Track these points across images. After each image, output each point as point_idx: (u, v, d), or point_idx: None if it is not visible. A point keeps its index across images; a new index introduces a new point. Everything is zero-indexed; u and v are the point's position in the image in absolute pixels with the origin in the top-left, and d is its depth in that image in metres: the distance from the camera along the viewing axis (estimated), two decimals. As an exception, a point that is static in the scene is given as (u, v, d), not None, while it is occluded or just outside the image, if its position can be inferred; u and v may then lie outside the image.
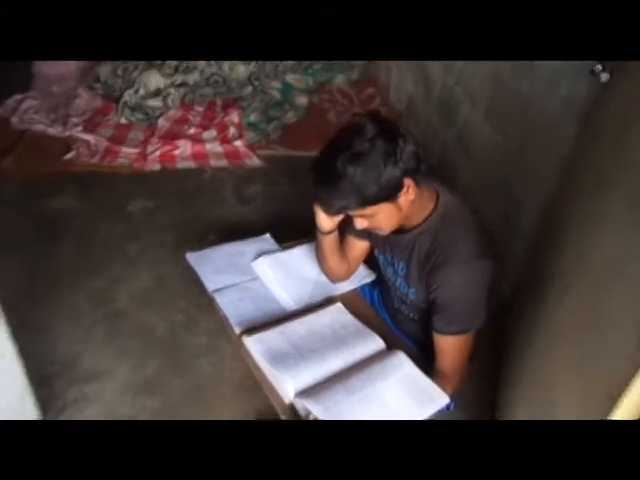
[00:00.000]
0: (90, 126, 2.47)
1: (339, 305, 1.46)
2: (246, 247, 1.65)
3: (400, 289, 1.32)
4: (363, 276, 1.57)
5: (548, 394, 1.09)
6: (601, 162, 1.11)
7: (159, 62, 2.76)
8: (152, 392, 1.45)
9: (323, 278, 1.55)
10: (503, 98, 1.78)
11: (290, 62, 3.05)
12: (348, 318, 1.42)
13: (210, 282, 1.49)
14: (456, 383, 1.23)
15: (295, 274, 1.56)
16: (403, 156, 1.05)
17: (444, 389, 1.16)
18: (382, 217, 1.12)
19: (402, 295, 1.33)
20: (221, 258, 1.59)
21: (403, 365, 1.22)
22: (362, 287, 1.56)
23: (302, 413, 1.14)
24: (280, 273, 1.55)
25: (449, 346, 1.20)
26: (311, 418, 1.10)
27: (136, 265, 1.84)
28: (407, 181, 1.08)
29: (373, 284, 1.58)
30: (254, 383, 1.28)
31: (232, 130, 2.50)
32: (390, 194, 1.07)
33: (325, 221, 1.28)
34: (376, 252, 1.40)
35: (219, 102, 2.74)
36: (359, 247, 1.43)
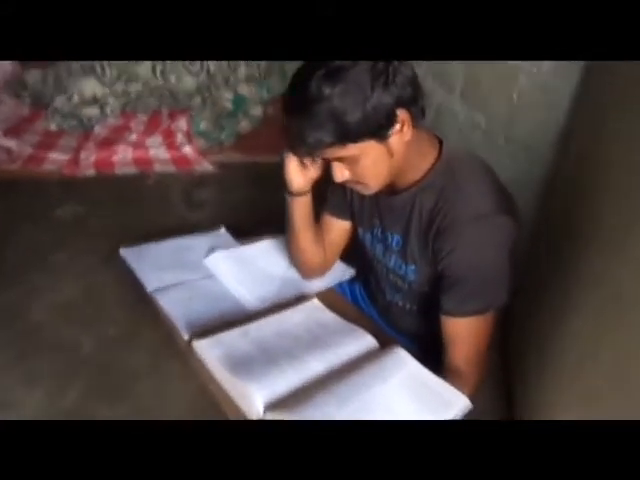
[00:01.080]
0: (13, 133, 2.14)
1: (315, 301, 1.17)
2: (196, 242, 1.36)
3: (395, 270, 1.06)
4: (341, 272, 1.30)
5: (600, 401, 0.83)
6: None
7: (97, 69, 2.50)
8: (73, 426, 1.09)
9: (293, 273, 1.26)
10: (482, 76, 1.61)
11: (243, 73, 2.85)
12: (328, 315, 1.14)
13: (150, 280, 1.18)
14: (474, 380, 0.95)
15: (258, 270, 1.27)
16: (397, 78, 0.81)
17: (461, 390, 0.88)
18: (368, 163, 0.86)
19: (397, 279, 1.07)
20: (165, 254, 1.29)
21: (405, 363, 0.94)
22: (340, 285, 1.29)
23: (277, 432, 0.83)
24: (239, 269, 1.26)
25: (464, 332, 0.93)
26: None
27: (61, 274, 1.50)
28: (401, 113, 0.83)
29: (353, 280, 1.32)
30: (209, 404, 0.97)
31: (180, 137, 2.24)
32: (378, 127, 0.82)
33: (295, 174, 1.01)
34: (360, 232, 1.13)
35: (165, 111, 2.48)
36: (338, 228, 1.17)
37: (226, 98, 2.64)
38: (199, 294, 1.17)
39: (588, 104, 1.18)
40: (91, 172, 1.97)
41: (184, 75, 2.70)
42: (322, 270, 1.23)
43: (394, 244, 1.03)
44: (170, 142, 2.20)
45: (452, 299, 0.92)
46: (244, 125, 2.47)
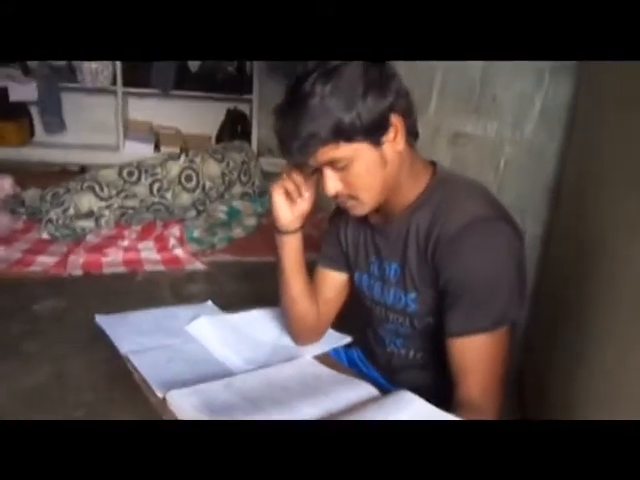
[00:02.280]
0: (3, 241, 2.12)
1: (307, 357, 1.05)
2: (180, 311, 1.25)
3: (394, 305, 0.96)
4: (336, 338, 1.19)
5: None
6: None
7: (96, 187, 2.57)
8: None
9: (285, 341, 1.15)
10: (468, 152, 1.65)
11: (238, 190, 2.94)
12: (322, 369, 1.01)
13: (125, 343, 1.06)
14: (492, 413, 0.81)
15: (246, 336, 1.16)
16: (391, 85, 0.82)
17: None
18: (361, 170, 0.83)
19: (398, 316, 0.96)
20: (145, 321, 1.18)
21: (413, 401, 0.80)
22: (335, 351, 1.17)
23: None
24: (226, 334, 1.15)
25: (475, 355, 0.81)
26: None
27: (31, 362, 1.38)
28: (395, 120, 0.82)
29: (350, 346, 1.20)
30: None
31: (172, 241, 2.22)
32: (372, 129, 0.80)
33: (283, 208, 0.96)
34: (357, 279, 1.05)
35: (159, 223, 2.50)
36: (333, 282, 1.09)
37: (220, 210, 2.68)
38: (179, 357, 1.05)
39: (574, 157, 1.18)
40: (78, 272, 1.92)
41: (180, 192, 2.77)
42: (316, 330, 1.12)
43: (392, 275, 0.95)
44: (162, 245, 2.18)
45: (457, 316, 0.82)
46: (238, 232, 2.48)
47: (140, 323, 1.17)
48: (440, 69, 1.83)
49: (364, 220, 1.01)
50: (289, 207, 0.97)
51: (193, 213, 2.68)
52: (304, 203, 0.97)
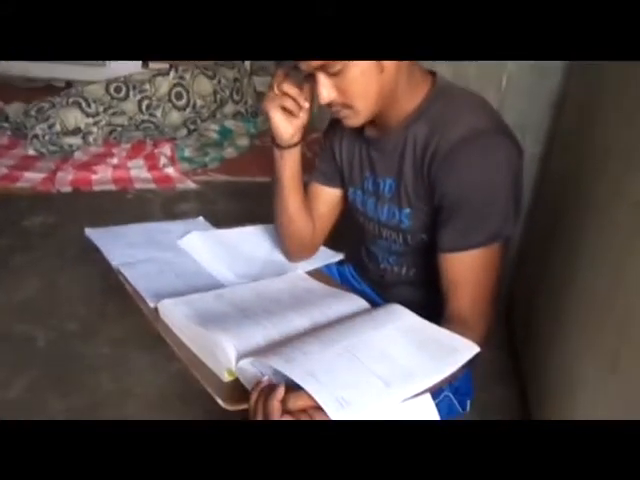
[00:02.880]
0: (-11, 157, 2.07)
1: (300, 272, 1.05)
2: (171, 226, 1.24)
3: (388, 222, 0.94)
4: (328, 255, 1.18)
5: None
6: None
7: (82, 103, 2.48)
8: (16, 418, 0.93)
9: (277, 256, 1.14)
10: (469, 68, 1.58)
11: (230, 109, 2.85)
12: (314, 283, 1.01)
13: (117, 256, 1.05)
14: (482, 328, 0.81)
15: (238, 251, 1.15)
16: None
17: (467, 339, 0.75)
18: (357, 74, 0.79)
19: (391, 232, 0.95)
20: (136, 234, 1.17)
21: (403, 314, 0.80)
22: (328, 267, 1.17)
23: (249, 383, 0.69)
24: (218, 249, 1.14)
25: (467, 270, 0.81)
26: (265, 380, 0.66)
27: (20, 275, 1.37)
28: None
29: (342, 262, 1.20)
30: (182, 393, 0.84)
31: (163, 159, 2.17)
32: None
33: (283, 123, 0.92)
34: (351, 194, 1.03)
35: (149, 141, 2.44)
36: (328, 198, 1.07)
37: (212, 129, 2.61)
38: (170, 269, 1.04)
39: (579, 71, 1.13)
40: (67, 189, 1.88)
41: (170, 110, 2.69)
42: (310, 247, 1.11)
43: (386, 190, 0.93)
44: (152, 164, 2.14)
45: (452, 232, 0.81)
46: (230, 151, 2.42)
47: (131, 236, 1.15)
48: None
49: (359, 134, 0.98)
50: (287, 121, 0.93)
51: (184, 132, 2.61)
52: (303, 115, 0.93)
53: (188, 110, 2.71)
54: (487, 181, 0.79)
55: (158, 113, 2.67)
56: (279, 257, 1.14)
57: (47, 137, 2.28)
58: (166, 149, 2.29)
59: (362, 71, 0.80)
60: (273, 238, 1.19)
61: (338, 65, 0.79)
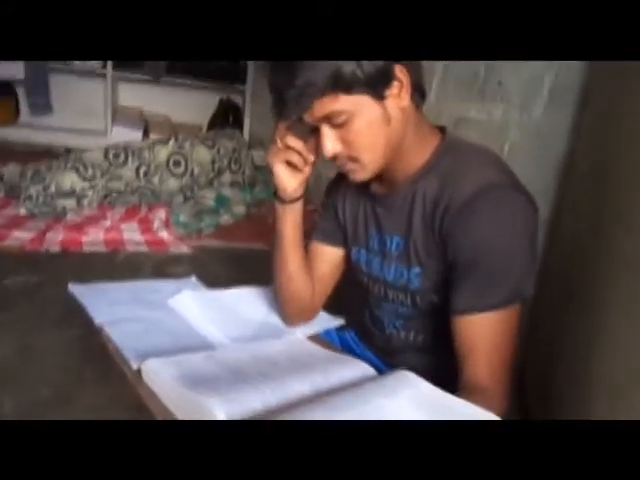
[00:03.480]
0: (-22, 215, 2.02)
1: (299, 336, 0.97)
2: (162, 285, 1.17)
3: (395, 282, 0.88)
4: (327, 320, 1.11)
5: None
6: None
7: (79, 166, 2.47)
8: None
9: (273, 319, 1.07)
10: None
11: (227, 178, 2.86)
12: (314, 347, 0.93)
13: (101, 313, 0.97)
14: (502, 396, 0.74)
15: (232, 314, 1.08)
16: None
17: (487, 410, 0.67)
18: (362, 126, 0.76)
19: (398, 294, 0.89)
20: (125, 292, 1.10)
21: (415, 382, 0.72)
22: (327, 332, 1.09)
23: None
24: (210, 310, 1.07)
25: (484, 334, 0.74)
26: None
27: (-5, 335, 1.27)
28: (400, 72, 0.75)
29: (343, 328, 1.12)
30: None
31: (157, 223, 2.13)
32: (374, 80, 0.74)
33: (286, 176, 0.88)
34: (354, 254, 0.98)
35: (144, 206, 2.41)
36: (329, 258, 1.02)
37: (209, 196, 2.60)
38: (158, 329, 0.96)
39: (588, 133, 1.12)
40: (55, 249, 1.82)
41: (168, 177, 2.68)
42: (309, 310, 1.05)
43: (394, 249, 0.88)
44: (146, 227, 2.09)
45: (467, 292, 0.75)
46: (226, 218, 2.39)
47: (117, 294, 1.08)
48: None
49: (364, 190, 0.94)
50: (291, 174, 0.90)
51: (180, 199, 2.59)
52: (306, 168, 0.89)
53: (185, 178, 2.71)
54: (504, 237, 0.74)
55: (155, 180, 2.66)
56: (276, 320, 1.07)
57: (41, 198, 2.24)
58: (161, 213, 2.26)
59: (368, 122, 0.77)
60: (270, 300, 1.12)
61: (343, 116, 0.76)
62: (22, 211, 2.13)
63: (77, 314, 1.32)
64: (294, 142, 0.85)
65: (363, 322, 1.05)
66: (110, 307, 1.01)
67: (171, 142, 2.74)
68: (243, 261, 1.90)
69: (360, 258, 0.97)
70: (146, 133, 3.97)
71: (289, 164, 0.88)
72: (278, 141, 0.86)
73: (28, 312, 1.42)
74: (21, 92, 3.87)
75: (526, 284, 0.75)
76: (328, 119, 0.77)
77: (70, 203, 2.30)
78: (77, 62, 3.76)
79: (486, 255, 0.74)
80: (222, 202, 2.60)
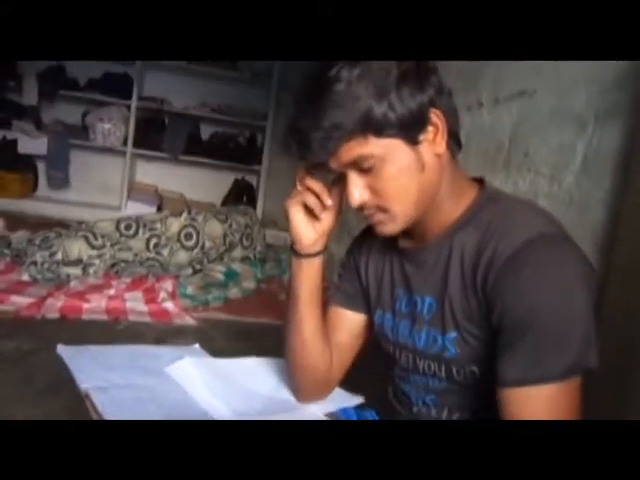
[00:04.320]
0: (-21, 279, 1.94)
1: (315, 410, 0.84)
2: (161, 351, 1.06)
3: (427, 350, 0.77)
4: (345, 397, 0.99)
5: None
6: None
7: (89, 235, 2.42)
8: None
9: (283, 393, 0.95)
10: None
11: (238, 254, 2.79)
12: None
13: (89, 378, 0.86)
14: None
15: (237, 385, 0.96)
16: (431, 78, 0.70)
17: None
18: (394, 172, 0.69)
19: (431, 363, 0.77)
20: (119, 356, 0.99)
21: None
22: (344, 410, 0.96)
23: None
24: (213, 379, 0.95)
25: (540, 410, 0.62)
26: None
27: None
28: (435, 117, 0.69)
29: (363, 406, 0.99)
30: None
31: (163, 294, 2.04)
32: (407, 123, 0.67)
33: (304, 226, 0.80)
34: (379, 319, 0.88)
35: (152, 277, 2.32)
36: (350, 324, 0.91)
37: (218, 270, 2.52)
38: (151, 398, 0.84)
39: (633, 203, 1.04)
40: (53, 315, 1.72)
41: (178, 249, 2.62)
42: (325, 384, 0.92)
43: (425, 311, 0.77)
44: (151, 297, 1.99)
45: (518, 360, 0.63)
46: (235, 292, 2.30)
47: (111, 358, 0.97)
48: (462, 132, 1.75)
49: (390, 246, 0.85)
50: (310, 224, 0.82)
51: (189, 271, 2.51)
52: (328, 217, 0.81)
53: (196, 251, 2.65)
54: (562, 293, 0.63)
55: (165, 252, 2.60)
56: (286, 395, 0.94)
57: (46, 265, 2.17)
58: (168, 284, 2.17)
59: (400, 168, 0.69)
60: (280, 372, 1.00)
61: (372, 161, 0.69)
62: (25, 277, 2.06)
63: (66, 383, 1.20)
64: (313, 184, 0.78)
65: (386, 398, 0.92)
66: (101, 372, 0.90)
67: (184, 215, 2.71)
68: (251, 335, 1.78)
69: (385, 323, 0.86)
70: (160, 209, 3.98)
71: (307, 211, 0.80)
72: (297, 183, 0.79)
73: (14, 380, 1.30)
74: (41, 166, 3.94)
75: (589, 351, 0.64)
76: (356, 164, 0.70)
77: (75, 271, 2.23)
78: (99, 139, 3.85)
79: (540, 315, 0.63)
80: (232, 276, 2.51)
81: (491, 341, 0.69)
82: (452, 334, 0.73)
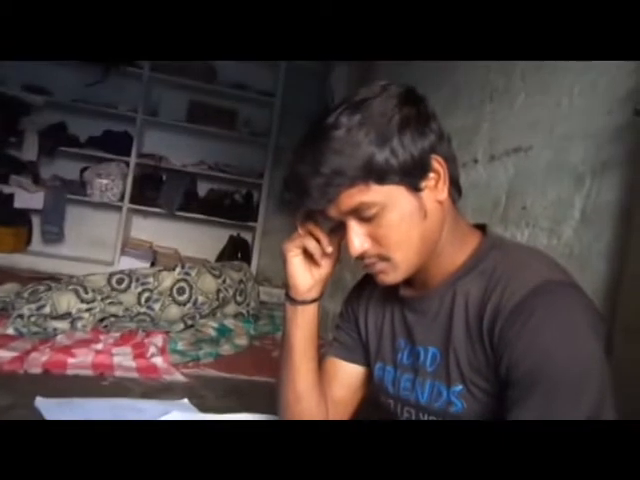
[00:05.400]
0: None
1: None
2: (149, 405, 1.00)
3: (431, 405, 0.72)
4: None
5: None
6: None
7: (79, 289, 2.37)
8: None
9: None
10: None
11: (232, 309, 2.74)
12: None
13: (68, 432, 0.80)
14: None
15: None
16: (431, 124, 0.69)
17: None
18: (396, 219, 0.67)
19: (435, 419, 0.72)
20: (100, 410, 0.93)
21: None
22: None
23: None
24: (201, 436, 0.88)
25: None
26: None
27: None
28: (437, 163, 0.69)
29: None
30: None
31: (152, 349, 1.97)
32: (409, 170, 0.66)
33: (300, 271, 0.78)
34: (378, 372, 0.83)
35: (141, 332, 2.26)
36: (347, 377, 0.87)
37: (210, 326, 2.46)
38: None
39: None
40: (36, 370, 1.64)
41: (170, 304, 2.57)
42: (319, 442, 0.86)
43: (429, 363, 0.73)
44: (140, 352, 1.92)
45: (527, 417, 0.59)
46: (226, 349, 2.23)
47: (91, 411, 0.91)
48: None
49: (391, 294, 0.82)
50: (307, 270, 0.79)
51: (180, 326, 2.44)
52: (327, 264, 0.79)
53: (188, 306, 2.59)
54: (574, 343, 0.60)
55: (156, 306, 2.55)
56: (279, 454, 0.88)
57: (33, 318, 2.11)
58: (158, 339, 2.10)
59: (402, 216, 0.68)
60: (273, 430, 0.94)
61: (374, 209, 0.67)
62: (10, 330, 1.99)
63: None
64: (314, 229, 0.76)
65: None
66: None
67: (177, 269, 2.68)
68: (243, 393, 1.71)
69: (385, 376, 0.82)
70: (153, 265, 3.94)
71: (305, 256, 0.78)
72: (298, 226, 0.77)
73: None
74: (36, 220, 3.93)
75: (603, 404, 0.60)
76: (356, 212, 0.68)
77: (63, 325, 2.16)
78: (96, 194, 3.87)
79: (551, 366, 0.59)
80: (224, 332, 2.45)
81: (499, 394, 0.65)
82: (458, 387, 0.69)
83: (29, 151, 3.78)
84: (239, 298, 2.85)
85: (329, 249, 0.76)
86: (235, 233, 4.15)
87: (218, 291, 2.74)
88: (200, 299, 2.64)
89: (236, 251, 4.08)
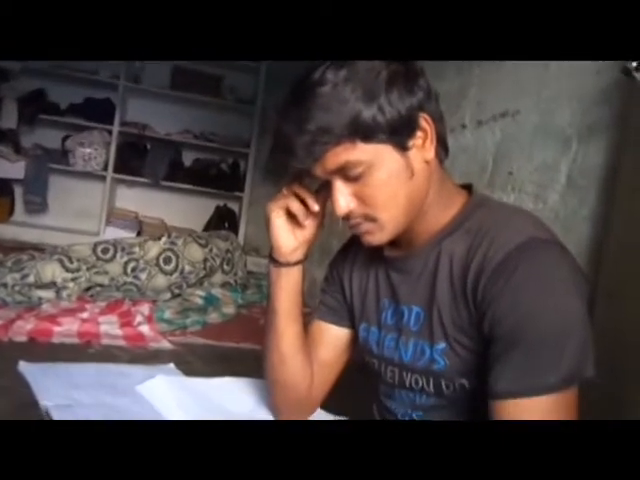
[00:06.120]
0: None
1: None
2: (135, 370, 1.00)
3: (414, 363, 0.73)
4: (325, 418, 0.93)
5: None
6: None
7: (64, 259, 2.35)
8: None
9: (262, 414, 0.90)
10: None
11: (219, 279, 2.73)
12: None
13: (52, 395, 0.80)
14: None
15: (212, 405, 0.90)
16: (420, 81, 0.68)
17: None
18: (383, 178, 0.66)
19: (418, 377, 0.73)
20: (85, 375, 0.93)
21: None
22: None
23: None
24: (186, 399, 0.89)
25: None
26: None
27: None
28: (424, 122, 0.67)
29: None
30: None
31: (139, 318, 1.96)
32: (397, 128, 0.65)
33: (284, 233, 0.77)
34: (363, 333, 0.84)
35: (128, 301, 2.25)
36: (333, 339, 0.87)
37: (197, 295, 2.45)
38: (119, 418, 0.78)
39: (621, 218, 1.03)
40: (21, 338, 1.63)
41: (157, 273, 2.56)
42: (306, 404, 0.87)
43: (412, 322, 0.74)
44: (126, 321, 1.92)
45: (511, 371, 0.60)
46: (214, 317, 2.23)
47: (77, 376, 0.91)
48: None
49: (376, 255, 0.82)
50: (291, 231, 0.78)
51: (167, 296, 2.44)
52: (311, 225, 0.78)
53: (175, 275, 2.58)
54: (558, 300, 0.60)
55: (143, 276, 2.53)
56: (264, 416, 0.89)
57: (17, 287, 2.09)
58: (144, 308, 2.09)
59: (389, 175, 0.66)
60: (258, 393, 0.95)
61: (360, 168, 0.66)
62: (-7, 300, 1.97)
63: (30, 405, 1.12)
64: (300, 189, 0.75)
65: (371, 418, 0.87)
66: (65, 390, 0.83)
67: (163, 239, 2.66)
68: (230, 360, 1.72)
69: (370, 336, 0.82)
70: (139, 236, 3.91)
71: (289, 217, 0.77)
72: (283, 188, 0.76)
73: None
74: (18, 190, 3.86)
75: (586, 360, 0.61)
76: (342, 171, 0.67)
77: (48, 294, 2.14)
78: (79, 164, 3.80)
79: (534, 323, 0.60)
80: (211, 301, 2.45)
81: (482, 352, 0.66)
82: (441, 345, 0.69)
83: (8, 119, 3.69)
84: (226, 267, 2.85)
85: (315, 207, 0.75)
86: (222, 203, 4.12)
87: (205, 260, 2.72)
88: (187, 268, 2.63)
89: (223, 221, 4.05)
